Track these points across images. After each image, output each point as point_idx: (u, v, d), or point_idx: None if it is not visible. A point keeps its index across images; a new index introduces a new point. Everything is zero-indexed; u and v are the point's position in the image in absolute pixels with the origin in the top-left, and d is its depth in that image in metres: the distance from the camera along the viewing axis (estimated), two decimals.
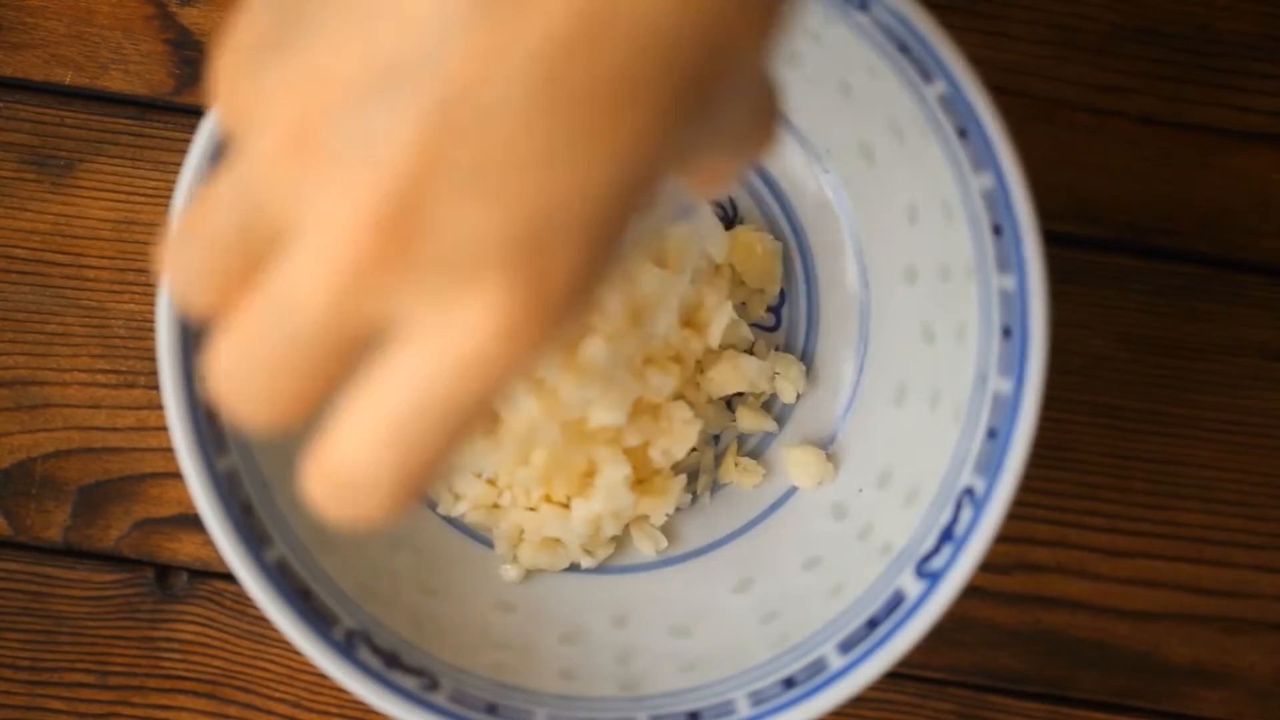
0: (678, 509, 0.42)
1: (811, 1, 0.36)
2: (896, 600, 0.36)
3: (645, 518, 0.42)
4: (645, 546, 0.42)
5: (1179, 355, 0.45)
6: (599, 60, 0.19)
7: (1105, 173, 0.45)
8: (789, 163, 0.43)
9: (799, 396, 0.43)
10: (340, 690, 0.44)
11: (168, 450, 0.43)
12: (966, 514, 0.35)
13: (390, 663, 0.36)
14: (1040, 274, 0.34)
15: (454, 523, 0.42)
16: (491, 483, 0.41)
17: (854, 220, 0.42)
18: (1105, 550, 0.45)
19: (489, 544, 0.42)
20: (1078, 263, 0.45)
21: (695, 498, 0.43)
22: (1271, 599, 0.45)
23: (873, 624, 0.36)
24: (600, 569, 0.42)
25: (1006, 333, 0.35)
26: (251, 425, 0.21)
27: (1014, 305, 0.35)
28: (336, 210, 0.19)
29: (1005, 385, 0.35)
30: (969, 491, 0.35)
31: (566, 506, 0.41)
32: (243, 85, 0.21)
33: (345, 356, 0.21)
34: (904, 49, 0.35)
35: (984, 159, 0.35)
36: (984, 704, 0.45)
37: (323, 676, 0.42)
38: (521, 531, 0.41)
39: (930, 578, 0.35)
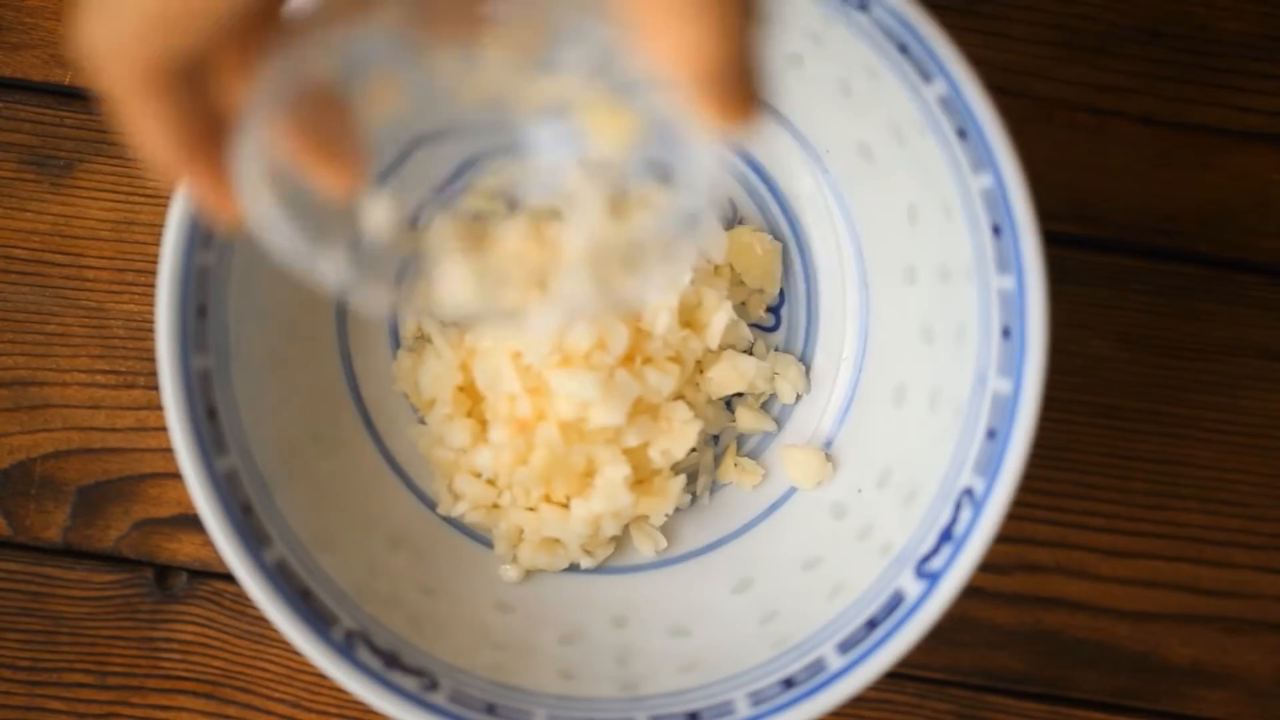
0: (677, 509, 0.42)
1: (811, 2, 0.36)
2: (896, 600, 0.36)
3: (645, 518, 0.42)
4: (645, 547, 0.42)
5: (1179, 355, 0.45)
6: None
7: (1105, 173, 0.45)
8: (789, 163, 0.43)
9: (798, 397, 0.43)
10: (340, 690, 0.44)
11: (167, 450, 0.43)
12: (966, 514, 0.35)
13: (390, 663, 0.36)
14: (1040, 274, 0.34)
15: (454, 523, 0.42)
16: (491, 483, 0.41)
17: (854, 220, 0.42)
18: (1105, 550, 0.45)
19: (489, 544, 0.42)
20: (1078, 263, 0.45)
21: (695, 498, 0.43)
22: (1271, 599, 0.45)
23: (872, 624, 0.36)
24: (600, 569, 0.42)
25: (1006, 333, 0.35)
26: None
27: (1013, 305, 0.35)
28: None
29: (1004, 385, 0.35)
30: (968, 492, 0.35)
31: (566, 506, 0.41)
32: None
33: None
34: (904, 49, 0.35)
35: (983, 159, 0.35)
36: (983, 704, 0.45)
37: (322, 676, 0.42)
38: (521, 532, 0.41)
39: (930, 578, 0.35)
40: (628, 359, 0.40)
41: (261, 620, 0.44)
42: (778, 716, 0.35)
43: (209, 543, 0.43)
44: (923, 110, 0.36)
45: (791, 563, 0.41)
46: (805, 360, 0.43)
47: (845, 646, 0.36)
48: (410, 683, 0.36)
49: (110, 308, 0.45)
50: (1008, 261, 0.35)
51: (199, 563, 0.45)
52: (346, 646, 0.35)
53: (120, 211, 0.45)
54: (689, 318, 0.42)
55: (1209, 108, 0.45)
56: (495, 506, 0.42)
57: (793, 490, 0.42)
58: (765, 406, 0.43)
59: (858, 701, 0.41)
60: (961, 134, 0.35)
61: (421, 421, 0.43)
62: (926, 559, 0.36)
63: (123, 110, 0.24)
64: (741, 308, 0.43)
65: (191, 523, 0.44)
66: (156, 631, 0.45)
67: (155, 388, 0.44)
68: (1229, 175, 0.45)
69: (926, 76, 0.35)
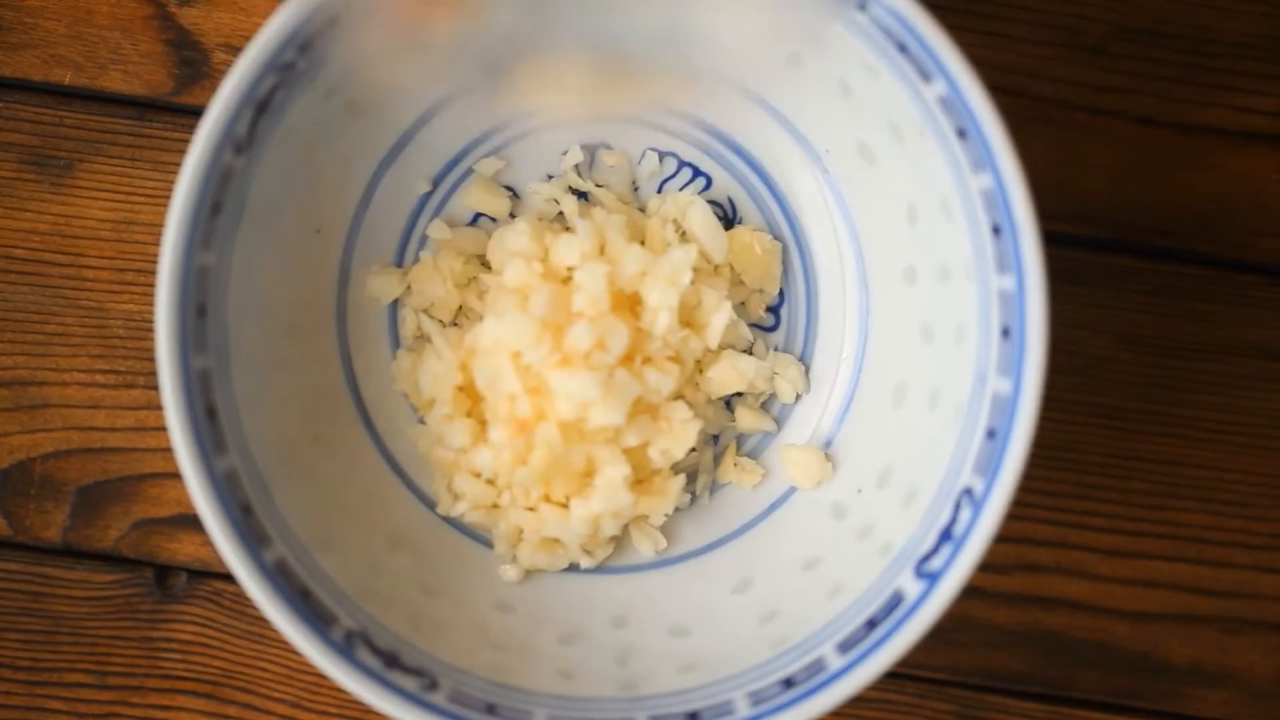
0: (677, 509, 0.42)
1: (811, 1, 0.36)
2: (896, 600, 0.36)
3: (644, 518, 0.42)
4: (644, 546, 0.42)
5: (1179, 355, 0.45)
6: None
7: (1105, 173, 0.45)
8: (788, 163, 0.43)
9: (798, 396, 0.43)
10: (339, 690, 0.44)
11: (167, 450, 0.43)
12: (966, 514, 0.35)
13: (389, 663, 0.36)
14: (1039, 274, 0.34)
15: (453, 523, 0.42)
16: (491, 483, 0.41)
17: (853, 220, 0.42)
18: (1105, 550, 0.45)
19: (488, 544, 0.42)
20: (1078, 263, 0.45)
21: (694, 498, 0.43)
22: (1271, 599, 0.45)
23: (872, 624, 0.36)
24: (599, 569, 0.42)
25: (1005, 333, 0.35)
26: None
27: (1013, 305, 0.35)
28: None
29: (1004, 385, 0.35)
30: (968, 491, 0.35)
31: (566, 506, 0.41)
32: None
33: None
34: (903, 49, 0.35)
35: (983, 159, 0.35)
36: (983, 704, 0.45)
37: (322, 676, 0.42)
38: (521, 531, 0.41)
39: (929, 578, 0.35)
40: (627, 359, 0.40)
41: (261, 620, 0.44)
42: (778, 716, 0.35)
43: (209, 543, 0.43)
44: (922, 110, 0.36)
45: (791, 562, 0.41)
46: (805, 360, 0.43)
47: (845, 646, 0.36)
48: (410, 683, 0.36)
49: (110, 308, 0.45)
50: (1008, 261, 0.35)
51: (199, 563, 0.45)
52: (346, 646, 0.35)
53: (120, 211, 0.45)
54: (689, 317, 0.42)
55: (1209, 108, 0.45)
56: (495, 506, 0.42)
57: (792, 490, 0.42)
58: (765, 406, 0.43)
59: (857, 701, 0.41)
60: (961, 134, 0.35)
61: (421, 421, 0.43)
62: (926, 559, 0.36)
63: None
64: (741, 307, 0.43)
65: (191, 523, 0.44)
66: (156, 631, 0.45)
67: (155, 388, 0.44)
68: (1229, 175, 0.45)
69: (926, 76, 0.35)
